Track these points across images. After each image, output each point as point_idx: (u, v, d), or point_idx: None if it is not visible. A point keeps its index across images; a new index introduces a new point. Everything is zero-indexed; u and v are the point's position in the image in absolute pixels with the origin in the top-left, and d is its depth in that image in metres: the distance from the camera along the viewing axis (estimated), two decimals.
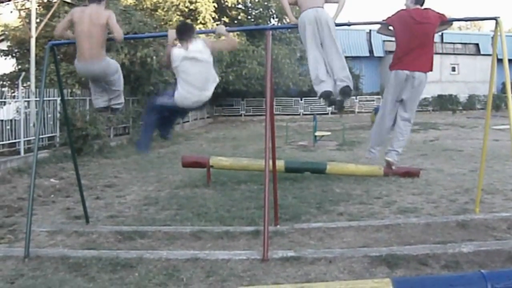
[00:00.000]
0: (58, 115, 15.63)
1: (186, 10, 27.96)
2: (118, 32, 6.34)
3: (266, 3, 32.28)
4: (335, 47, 6.36)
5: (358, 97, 41.61)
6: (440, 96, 41.02)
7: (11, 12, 20.21)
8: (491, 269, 4.84)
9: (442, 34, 51.33)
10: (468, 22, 73.26)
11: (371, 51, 48.38)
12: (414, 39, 5.99)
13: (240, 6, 32.91)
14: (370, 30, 48.03)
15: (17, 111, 14.72)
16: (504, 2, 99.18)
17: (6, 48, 21.02)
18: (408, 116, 6.40)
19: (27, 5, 20.05)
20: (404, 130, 6.45)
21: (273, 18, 33.54)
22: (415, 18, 6.01)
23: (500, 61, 6.16)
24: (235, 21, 32.31)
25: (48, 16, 17.35)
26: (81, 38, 6.23)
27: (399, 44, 6.18)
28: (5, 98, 14.66)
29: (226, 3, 30.29)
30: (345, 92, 6.30)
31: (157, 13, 26.44)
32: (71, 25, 6.36)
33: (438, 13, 6.11)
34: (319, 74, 6.30)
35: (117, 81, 6.68)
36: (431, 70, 6.16)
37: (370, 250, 5.74)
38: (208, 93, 6.37)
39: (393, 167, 6.78)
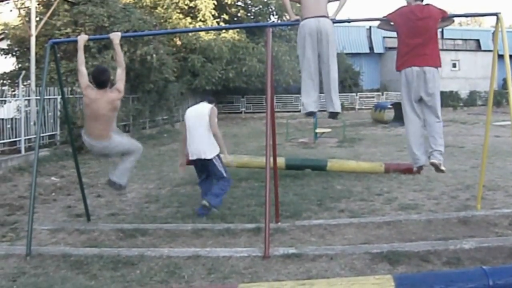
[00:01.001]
0: (59, 113, 15.61)
1: (186, 7, 27.96)
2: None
3: (265, 0, 32.26)
4: (332, 65, 6.33)
5: (358, 94, 41.61)
6: (440, 93, 40.80)
7: (11, 10, 20.21)
8: (493, 266, 4.84)
9: (442, 30, 51.27)
10: (469, 18, 73.30)
11: (371, 48, 48.36)
12: (417, 35, 5.94)
13: (239, 3, 32.94)
14: (370, 27, 47.99)
15: (18, 110, 14.72)
16: None
17: (6, 47, 21.02)
18: (434, 113, 6.17)
19: (27, 3, 20.04)
20: (437, 128, 6.15)
21: (273, 15, 33.50)
22: (416, 14, 5.97)
23: (501, 57, 6.14)
24: (235, 18, 32.31)
25: (48, 14, 17.37)
26: (90, 119, 6.39)
27: (402, 41, 6.12)
28: (5, 97, 14.66)
29: (226, 1, 30.29)
30: (333, 116, 6.51)
31: (157, 10, 26.47)
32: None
33: (439, 9, 6.08)
34: (309, 91, 6.36)
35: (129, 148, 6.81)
36: (439, 65, 6.08)
37: (371, 247, 5.75)
38: None
39: (442, 168, 6.09)
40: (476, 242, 5.68)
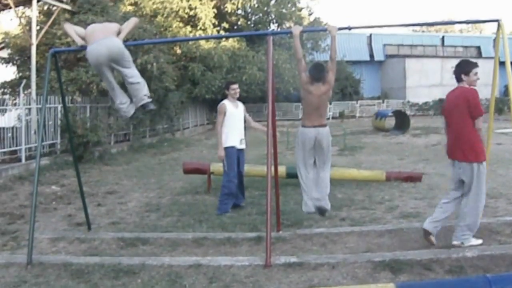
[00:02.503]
0: (59, 122, 15.62)
1: (186, 16, 28.02)
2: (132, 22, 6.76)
3: (265, 9, 32.32)
4: (326, 169, 6.71)
5: (359, 101, 41.67)
6: (441, 100, 40.91)
7: (11, 20, 20.29)
8: (496, 274, 4.82)
9: (443, 37, 51.51)
10: (469, 25, 73.57)
11: (371, 55, 48.52)
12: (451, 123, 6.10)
13: (239, 11, 32.96)
14: (371, 34, 48.19)
15: (18, 119, 14.73)
16: (506, 4, 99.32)
17: (7, 56, 21.04)
18: (471, 201, 6.05)
19: (28, 12, 20.11)
20: (472, 209, 6.04)
21: (273, 23, 33.57)
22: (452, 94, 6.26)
23: (502, 63, 6.13)
24: (235, 27, 32.36)
25: (49, 23, 17.43)
26: (94, 34, 6.43)
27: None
28: (6, 106, 14.67)
29: (226, 9, 30.35)
30: (322, 211, 6.62)
31: (157, 19, 26.52)
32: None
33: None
34: (309, 192, 6.68)
35: (132, 66, 6.65)
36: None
37: (373, 255, 5.73)
38: None
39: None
40: (478, 250, 5.66)
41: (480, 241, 6.07)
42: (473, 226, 6.05)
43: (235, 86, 8.98)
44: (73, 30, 6.56)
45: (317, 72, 6.43)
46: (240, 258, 5.83)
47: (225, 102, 8.81)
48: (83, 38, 6.51)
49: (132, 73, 6.57)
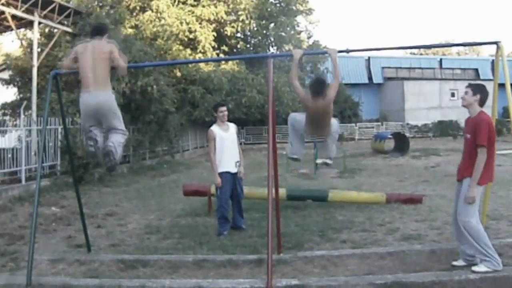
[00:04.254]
0: (59, 143, 15.63)
1: (186, 39, 28.18)
2: (122, 65, 6.45)
3: (265, 32, 32.54)
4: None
5: (357, 124, 41.76)
6: (440, 122, 41.16)
7: (12, 41, 20.44)
8: None
9: (441, 59, 51.77)
10: (467, 47, 74.00)
11: (370, 78, 48.72)
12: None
13: (239, 35, 33.15)
14: (369, 57, 48.44)
15: (19, 140, 14.76)
16: (502, 26, 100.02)
17: (8, 77, 21.17)
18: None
19: (29, 35, 20.26)
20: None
21: (272, 46, 33.76)
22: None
23: (500, 85, 6.15)
24: (235, 50, 32.51)
25: (50, 46, 17.57)
26: (86, 71, 6.25)
27: None
28: (6, 127, 14.70)
29: (226, 32, 30.55)
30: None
31: (157, 42, 26.66)
32: (76, 60, 6.43)
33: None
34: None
35: (117, 120, 6.37)
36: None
37: (375, 278, 5.69)
38: None
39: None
40: (481, 272, 5.63)
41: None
42: None
43: (223, 108, 8.86)
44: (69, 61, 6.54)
45: (317, 86, 6.46)
46: (241, 280, 5.80)
47: (214, 127, 8.72)
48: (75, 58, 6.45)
49: (115, 138, 6.26)
